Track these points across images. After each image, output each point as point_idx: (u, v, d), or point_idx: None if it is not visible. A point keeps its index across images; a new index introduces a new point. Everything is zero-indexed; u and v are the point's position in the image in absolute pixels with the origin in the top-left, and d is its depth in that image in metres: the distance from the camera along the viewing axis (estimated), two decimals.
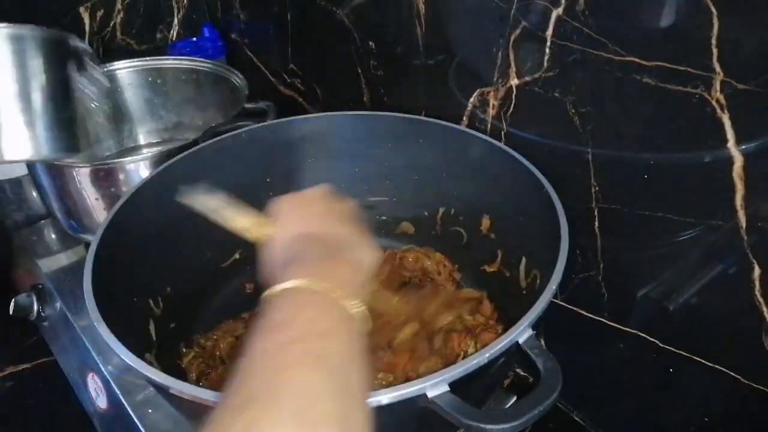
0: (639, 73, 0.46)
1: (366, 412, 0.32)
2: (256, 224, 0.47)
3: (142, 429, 0.61)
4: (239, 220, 0.47)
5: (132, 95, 0.97)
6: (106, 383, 0.69)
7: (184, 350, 0.62)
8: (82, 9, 1.02)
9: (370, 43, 0.77)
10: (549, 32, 0.52)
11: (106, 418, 0.75)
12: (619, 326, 0.59)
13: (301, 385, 0.30)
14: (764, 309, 0.45)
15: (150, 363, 0.44)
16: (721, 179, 0.44)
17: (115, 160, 0.74)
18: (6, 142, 0.61)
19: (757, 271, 0.45)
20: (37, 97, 0.63)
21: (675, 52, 0.44)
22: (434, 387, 0.39)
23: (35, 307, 0.84)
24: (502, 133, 0.63)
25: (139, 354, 0.43)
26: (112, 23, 1.08)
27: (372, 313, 0.39)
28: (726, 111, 0.42)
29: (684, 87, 0.44)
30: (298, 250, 0.43)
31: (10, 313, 0.85)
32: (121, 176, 0.73)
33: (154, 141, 1.01)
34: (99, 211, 0.76)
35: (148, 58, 0.96)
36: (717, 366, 0.51)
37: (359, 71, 0.81)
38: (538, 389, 0.39)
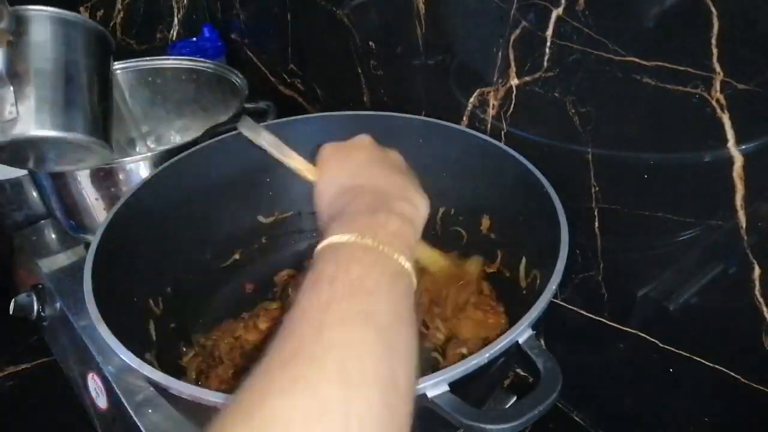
0: (639, 73, 0.46)
1: (413, 375, 0.31)
2: (305, 168, 0.47)
3: (142, 429, 0.61)
4: (294, 159, 0.48)
5: (132, 95, 0.97)
6: (106, 383, 0.69)
7: (184, 350, 0.62)
8: (82, 9, 1.02)
9: (370, 43, 0.77)
10: (549, 32, 0.52)
11: (106, 418, 0.75)
12: (619, 326, 0.59)
13: (346, 344, 0.28)
14: (764, 309, 0.45)
15: (150, 363, 0.44)
16: (721, 179, 0.44)
17: (115, 160, 0.74)
18: (42, 114, 0.60)
19: (757, 271, 0.45)
20: (83, 80, 0.64)
21: (675, 52, 0.44)
22: (434, 387, 0.39)
23: (35, 307, 0.84)
24: (502, 133, 0.63)
25: (139, 354, 0.43)
26: (112, 23, 1.08)
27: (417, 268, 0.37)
28: (726, 111, 0.42)
29: (684, 87, 0.44)
30: (344, 202, 0.41)
31: (11, 313, 0.85)
32: (121, 176, 0.73)
33: (154, 141, 1.01)
34: (99, 211, 0.76)
35: (148, 58, 0.96)
36: (717, 366, 0.51)
37: (359, 71, 0.81)
38: (538, 389, 0.39)
